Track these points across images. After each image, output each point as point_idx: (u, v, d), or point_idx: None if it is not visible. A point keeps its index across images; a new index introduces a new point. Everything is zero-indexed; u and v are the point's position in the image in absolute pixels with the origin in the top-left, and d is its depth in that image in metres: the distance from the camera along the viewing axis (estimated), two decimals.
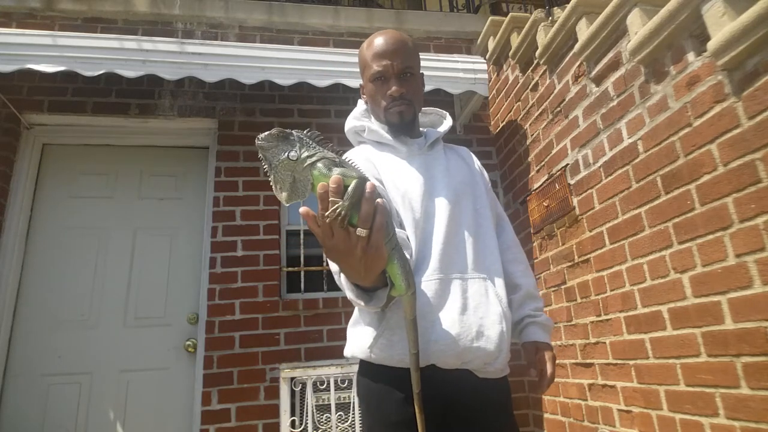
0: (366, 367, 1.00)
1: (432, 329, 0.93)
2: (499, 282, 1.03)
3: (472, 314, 0.96)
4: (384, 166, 1.08)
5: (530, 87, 2.43)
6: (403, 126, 1.12)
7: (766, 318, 1.21)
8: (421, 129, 1.21)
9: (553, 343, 2.20)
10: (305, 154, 0.71)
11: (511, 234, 1.21)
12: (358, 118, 1.19)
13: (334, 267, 0.89)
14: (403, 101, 1.09)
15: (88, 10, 2.71)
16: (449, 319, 0.94)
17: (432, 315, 0.94)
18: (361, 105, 1.21)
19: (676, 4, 1.45)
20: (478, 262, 1.02)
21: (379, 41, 1.10)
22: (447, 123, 1.23)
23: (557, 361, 2.19)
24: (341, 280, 0.88)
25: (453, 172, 1.13)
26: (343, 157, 0.76)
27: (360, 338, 1.00)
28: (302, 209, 0.70)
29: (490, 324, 0.96)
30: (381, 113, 1.12)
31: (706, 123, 1.39)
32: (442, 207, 1.04)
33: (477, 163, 1.27)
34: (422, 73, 1.19)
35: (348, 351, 1.04)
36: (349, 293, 0.87)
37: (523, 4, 3.73)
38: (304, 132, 0.75)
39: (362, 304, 0.87)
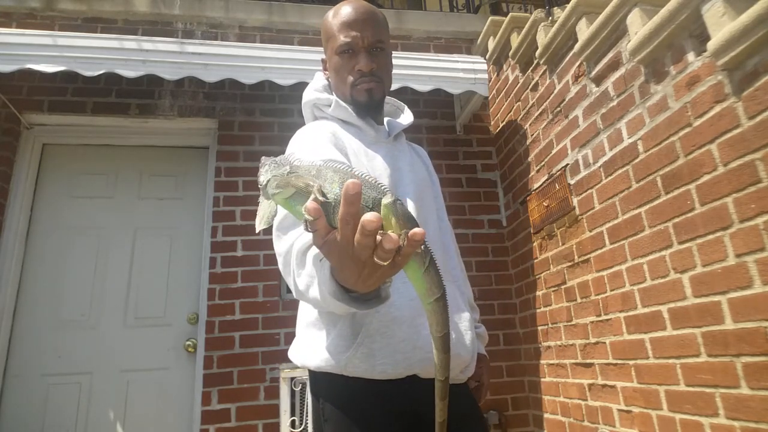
0: (333, 381, 0.86)
1: (417, 335, 0.84)
2: (462, 286, 1.00)
3: (450, 320, 0.91)
4: (351, 147, 0.95)
5: (530, 87, 2.43)
6: (371, 106, 1.01)
7: (766, 318, 1.21)
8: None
9: (552, 344, 2.22)
10: (268, 176, 0.61)
11: (455, 241, 1.15)
12: (320, 91, 1.05)
13: (301, 273, 0.72)
14: (373, 78, 0.98)
15: (88, 10, 2.71)
16: None
17: (415, 320, 0.85)
18: (320, 78, 1.08)
19: (676, 4, 1.45)
20: (445, 265, 0.96)
21: (347, 9, 0.98)
22: (408, 115, 1.13)
23: (557, 362, 2.20)
24: (319, 283, 0.68)
25: (416, 169, 1.04)
26: (295, 162, 0.61)
27: (327, 347, 0.85)
28: (310, 204, 0.52)
29: (464, 330, 0.91)
30: (347, 90, 1.00)
31: (706, 123, 1.39)
32: (410, 203, 0.94)
33: (431, 164, 1.18)
34: (391, 52, 1.08)
35: (308, 360, 0.88)
36: (334, 304, 0.66)
37: (523, 4, 3.73)
38: (281, 156, 0.64)
39: (349, 309, 0.68)
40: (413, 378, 0.85)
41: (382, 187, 0.58)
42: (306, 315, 0.94)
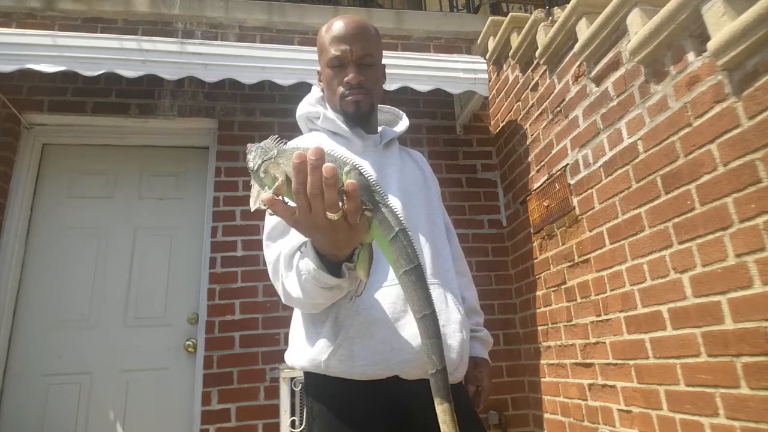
0: (319, 381, 0.90)
1: (396, 337, 0.86)
2: (455, 289, 1.01)
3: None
4: None
5: (530, 87, 2.43)
6: (359, 117, 1.05)
7: (766, 318, 1.21)
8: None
9: (552, 344, 2.22)
10: (258, 162, 0.70)
11: (458, 246, 1.17)
12: (313, 104, 1.11)
13: (289, 272, 0.81)
14: (361, 90, 1.02)
15: (88, 10, 2.71)
16: (413, 326, 0.83)
17: (395, 322, 0.87)
18: (315, 91, 1.15)
19: (676, 4, 1.45)
20: (434, 267, 0.98)
21: (338, 25, 1.04)
22: (404, 123, 1.18)
23: (557, 362, 2.20)
24: (303, 273, 0.77)
25: (407, 174, 1.07)
26: (285, 147, 0.71)
27: (311, 349, 0.89)
28: (265, 196, 0.66)
29: (452, 332, 0.92)
30: (336, 101, 1.05)
31: (706, 123, 1.39)
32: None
33: (429, 169, 1.21)
34: (384, 65, 1.12)
35: (295, 361, 0.94)
36: (315, 285, 0.75)
37: (523, 4, 3.73)
38: (269, 139, 0.73)
39: (335, 282, 0.75)
40: (395, 379, 0.87)
41: (349, 162, 0.68)
42: (297, 317, 0.99)
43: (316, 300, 0.81)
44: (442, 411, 0.65)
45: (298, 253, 0.82)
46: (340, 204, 0.65)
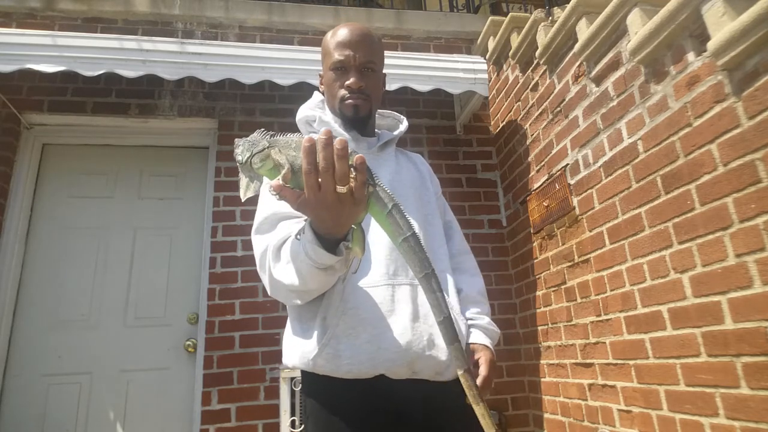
0: (310, 379, 0.94)
1: (382, 337, 0.88)
2: (450, 289, 1.01)
3: (423, 322, 0.92)
4: None
5: (530, 87, 2.43)
6: (357, 121, 1.08)
7: (766, 318, 1.21)
8: (376, 131, 1.18)
9: (552, 344, 2.22)
10: (247, 155, 0.73)
11: (460, 242, 1.18)
12: (312, 108, 1.15)
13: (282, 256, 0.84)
14: (361, 95, 1.05)
15: (88, 10, 2.71)
16: (400, 326, 0.89)
17: (382, 322, 0.89)
18: (316, 96, 1.19)
19: (676, 4, 1.45)
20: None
21: (343, 31, 1.07)
22: (402, 126, 1.20)
23: (557, 362, 2.19)
24: (301, 254, 0.79)
25: (402, 176, 1.10)
26: (277, 138, 0.75)
27: (301, 348, 0.92)
28: (273, 182, 0.70)
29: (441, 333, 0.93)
30: (336, 104, 1.08)
31: (706, 123, 1.39)
32: None
33: (429, 169, 1.22)
34: (385, 74, 1.16)
35: (289, 361, 0.97)
36: (312, 264, 0.77)
37: (523, 4, 3.73)
38: (255, 133, 0.76)
39: (331, 261, 0.77)
40: (381, 377, 0.88)
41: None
42: (291, 316, 1.00)
43: (309, 285, 0.82)
44: (479, 412, 0.78)
45: (288, 241, 0.84)
46: (351, 175, 0.69)
